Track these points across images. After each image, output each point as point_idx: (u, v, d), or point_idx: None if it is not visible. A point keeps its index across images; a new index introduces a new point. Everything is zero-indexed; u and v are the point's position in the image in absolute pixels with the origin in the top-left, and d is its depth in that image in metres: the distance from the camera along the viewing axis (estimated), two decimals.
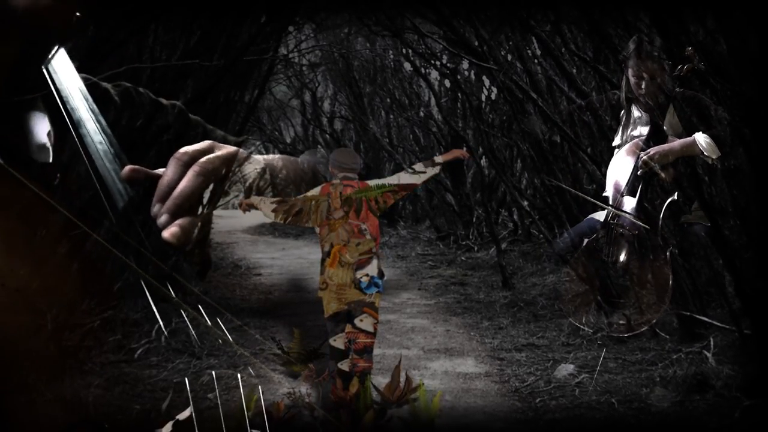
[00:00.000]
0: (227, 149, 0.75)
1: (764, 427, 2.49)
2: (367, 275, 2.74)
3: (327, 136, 10.63)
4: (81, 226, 0.52)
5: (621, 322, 3.51)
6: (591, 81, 4.86)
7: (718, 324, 3.32)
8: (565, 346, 3.63)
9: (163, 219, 0.66)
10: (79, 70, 0.79)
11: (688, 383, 2.88)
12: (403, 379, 2.90)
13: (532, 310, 4.46)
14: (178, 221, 0.66)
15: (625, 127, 3.57)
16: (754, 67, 2.59)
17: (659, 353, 3.31)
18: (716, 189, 3.26)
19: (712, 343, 3.14)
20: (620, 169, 3.41)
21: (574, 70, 4.78)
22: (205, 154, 0.73)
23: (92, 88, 0.84)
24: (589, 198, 3.57)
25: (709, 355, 3.07)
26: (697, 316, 3.39)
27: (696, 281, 3.41)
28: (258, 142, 13.52)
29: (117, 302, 3.36)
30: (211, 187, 0.71)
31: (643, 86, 3.41)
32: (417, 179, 2.85)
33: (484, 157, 7.24)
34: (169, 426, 1.49)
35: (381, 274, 2.79)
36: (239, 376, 3.24)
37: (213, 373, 3.03)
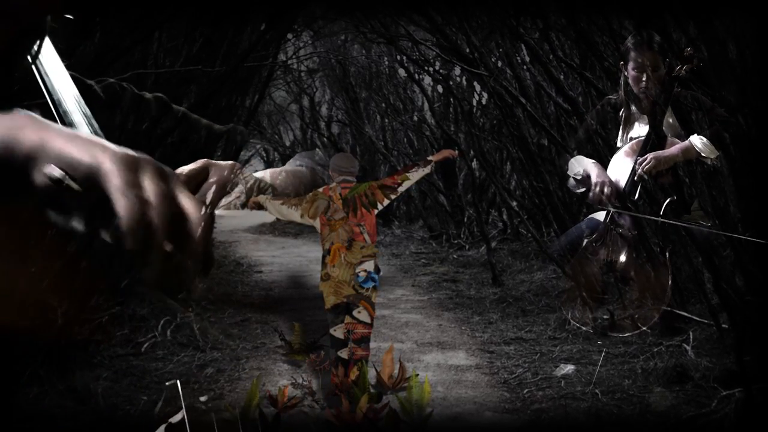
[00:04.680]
0: (222, 169, 0.74)
1: (740, 416, 2.54)
2: (365, 271, 2.91)
3: (324, 139, 10.72)
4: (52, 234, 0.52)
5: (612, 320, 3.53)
6: (578, 87, 4.93)
7: (697, 319, 3.44)
8: (552, 340, 3.73)
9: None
10: (86, 75, 0.82)
11: (669, 375, 2.99)
12: (397, 367, 3.05)
13: (520, 305, 4.53)
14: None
15: (625, 128, 3.46)
16: (733, 74, 2.68)
17: (641, 346, 3.40)
18: (696, 190, 3.31)
19: (691, 336, 3.25)
20: (619, 170, 3.33)
21: (562, 76, 4.84)
22: (201, 174, 0.72)
23: (79, 85, 0.83)
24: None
25: (688, 348, 3.19)
26: (678, 311, 3.48)
27: (676, 278, 3.46)
28: (258, 145, 13.61)
29: (124, 298, 3.43)
30: (213, 188, 0.70)
31: (644, 79, 3.25)
32: (412, 176, 3.04)
33: (475, 159, 7.31)
34: (161, 429, 1.58)
35: (377, 270, 2.95)
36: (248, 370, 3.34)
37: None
